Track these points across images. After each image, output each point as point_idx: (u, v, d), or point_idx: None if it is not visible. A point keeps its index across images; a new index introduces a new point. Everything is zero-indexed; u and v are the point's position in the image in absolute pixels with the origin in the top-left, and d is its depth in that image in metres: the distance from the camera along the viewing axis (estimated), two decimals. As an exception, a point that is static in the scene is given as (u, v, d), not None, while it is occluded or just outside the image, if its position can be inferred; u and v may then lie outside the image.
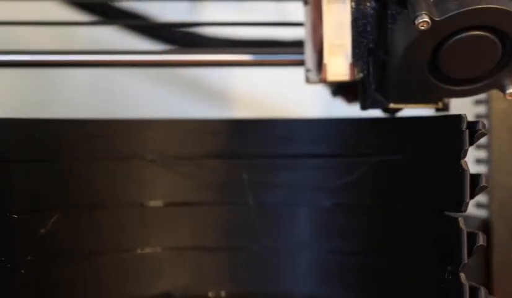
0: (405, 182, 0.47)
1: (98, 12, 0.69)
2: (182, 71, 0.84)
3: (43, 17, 0.57)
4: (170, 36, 0.71)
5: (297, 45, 0.60)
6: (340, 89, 0.53)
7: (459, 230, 0.41)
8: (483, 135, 0.42)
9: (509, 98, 0.44)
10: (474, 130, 0.41)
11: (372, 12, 0.46)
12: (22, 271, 0.48)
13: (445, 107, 0.47)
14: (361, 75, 0.46)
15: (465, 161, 0.41)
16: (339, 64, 0.46)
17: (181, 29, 0.71)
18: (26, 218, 0.48)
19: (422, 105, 0.46)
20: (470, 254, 0.41)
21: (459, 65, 0.43)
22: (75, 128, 0.51)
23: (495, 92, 0.48)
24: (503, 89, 0.44)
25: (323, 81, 0.46)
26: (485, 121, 0.56)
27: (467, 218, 0.59)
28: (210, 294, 0.53)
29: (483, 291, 0.41)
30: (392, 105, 0.46)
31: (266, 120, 0.54)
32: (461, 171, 0.41)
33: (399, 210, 0.47)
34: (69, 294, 0.50)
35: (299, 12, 0.78)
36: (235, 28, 0.66)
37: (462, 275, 0.41)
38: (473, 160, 0.62)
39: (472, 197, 0.41)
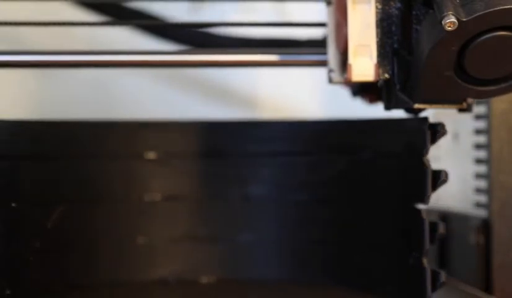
0: (376, 178, 0.53)
1: (106, 12, 0.69)
2: (184, 71, 0.85)
3: (53, 18, 0.57)
4: (183, 36, 0.71)
5: (311, 45, 0.60)
6: (362, 89, 0.53)
7: (422, 219, 0.47)
8: (443, 134, 0.47)
9: (534, 98, 0.44)
10: (436, 131, 0.47)
11: (396, 12, 0.46)
12: (31, 258, 0.53)
13: (469, 108, 0.47)
14: (386, 75, 0.46)
15: (427, 158, 0.47)
16: (364, 64, 0.46)
17: (195, 30, 0.71)
18: (30, 211, 0.53)
19: (446, 106, 0.46)
20: (432, 242, 0.47)
21: (484, 65, 0.43)
22: (78, 129, 0.55)
23: None
24: (528, 90, 0.44)
25: (347, 81, 0.46)
26: (485, 122, 0.60)
27: (468, 218, 0.61)
28: (202, 280, 0.57)
29: (443, 274, 0.46)
30: (416, 106, 0.46)
31: (251, 121, 0.59)
32: (424, 167, 0.47)
33: (372, 204, 0.53)
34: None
35: (299, 12, 0.79)
36: (239, 28, 0.66)
37: (425, 260, 0.47)
38: (473, 160, 0.62)
39: (433, 190, 0.47)
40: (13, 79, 0.81)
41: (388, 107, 0.48)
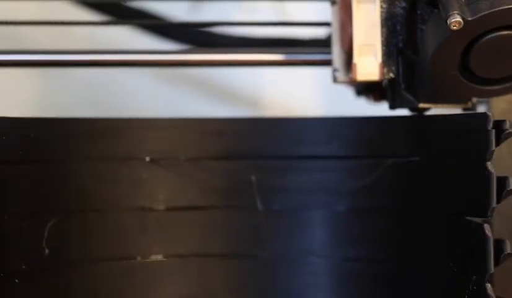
0: (424, 185, 0.45)
1: (107, 12, 0.69)
2: (184, 71, 0.85)
3: (55, 17, 0.57)
4: (185, 35, 0.71)
5: (314, 44, 0.60)
6: (366, 89, 0.53)
7: (485, 236, 0.39)
8: (510, 134, 0.39)
9: (540, 98, 0.44)
10: (501, 130, 0.39)
11: (401, 11, 0.46)
12: (16, 281, 0.46)
13: (474, 107, 0.47)
14: (391, 75, 0.46)
15: (491, 163, 0.39)
16: (369, 64, 0.46)
17: (197, 29, 0.71)
18: (21, 223, 0.46)
19: (451, 105, 0.46)
20: (496, 263, 0.39)
21: (489, 65, 0.43)
22: (74, 128, 0.49)
23: None
24: (533, 89, 0.44)
25: (352, 80, 0.46)
26: None
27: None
28: None
29: None
30: (421, 105, 0.46)
31: (276, 118, 0.52)
32: (487, 173, 0.39)
33: (419, 215, 0.45)
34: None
35: (298, 11, 0.79)
36: (240, 28, 0.66)
37: (489, 286, 0.39)
38: None
39: (498, 201, 0.39)
40: (13, 79, 0.81)
41: (393, 107, 0.48)
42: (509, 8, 0.40)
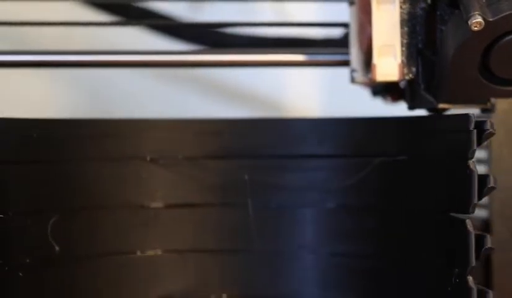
0: (410, 183, 0.47)
1: (116, 12, 0.69)
2: (197, 72, 0.85)
3: (62, 18, 0.57)
4: (195, 35, 0.71)
5: (326, 44, 0.60)
6: (384, 89, 0.53)
7: (467, 232, 0.40)
8: (491, 134, 0.41)
9: (559, 99, 0.44)
10: (482, 130, 0.41)
11: (421, 12, 0.46)
12: (20, 274, 0.47)
13: (493, 108, 0.47)
14: (410, 75, 0.46)
15: (473, 162, 0.41)
16: (389, 64, 0.46)
17: (206, 29, 0.71)
18: (25, 220, 0.47)
19: (471, 105, 0.46)
20: (477, 257, 0.41)
21: (509, 66, 0.43)
22: (75, 128, 0.50)
23: None
24: (552, 90, 0.44)
25: (372, 81, 0.46)
26: None
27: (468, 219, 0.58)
28: (212, 297, 0.52)
29: (491, 295, 0.40)
30: (440, 105, 0.46)
31: (268, 119, 0.53)
32: (469, 171, 0.41)
33: (404, 212, 0.47)
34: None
35: (298, 12, 0.79)
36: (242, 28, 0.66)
37: (470, 279, 0.40)
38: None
39: (479, 198, 0.41)
40: (12, 78, 0.81)
41: (412, 107, 0.48)
42: (530, 9, 0.41)
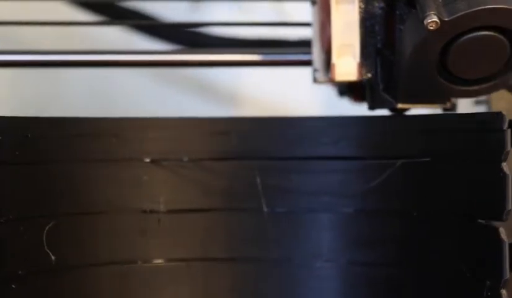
0: (435, 186, 0.44)
1: (101, 12, 0.69)
2: (181, 71, 0.84)
3: (48, 17, 0.57)
4: (175, 36, 0.71)
5: (302, 45, 0.60)
6: (348, 89, 0.53)
7: (500, 240, 0.37)
8: None
9: (517, 98, 0.44)
10: None
11: (380, 12, 0.46)
12: (13, 286, 0.44)
13: (453, 107, 0.47)
14: (369, 75, 0.46)
15: (506, 164, 0.38)
16: (348, 64, 0.46)
17: (186, 29, 0.71)
18: (18, 226, 0.44)
19: (430, 105, 0.46)
20: None
21: (467, 65, 0.43)
22: (71, 128, 0.47)
23: (495, 92, 0.48)
24: (510, 89, 0.44)
25: (331, 80, 0.46)
26: None
27: None
28: None
29: None
30: (399, 105, 0.46)
31: (281, 118, 0.50)
32: (502, 174, 0.38)
33: (429, 218, 0.44)
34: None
35: (297, 12, 0.79)
36: (236, 28, 0.66)
37: (504, 292, 0.38)
38: None
39: None
40: (12, 78, 0.81)
41: (372, 107, 0.48)
42: (486, 8, 0.40)
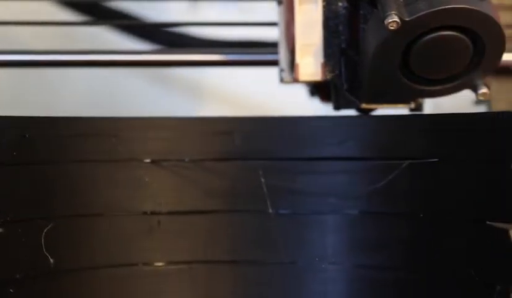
0: (443, 188, 0.43)
1: (93, 13, 0.69)
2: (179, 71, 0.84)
3: (39, 18, 0.57)
4: (164, 36, 0.71)
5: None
6: (316, 89, 0.53)
7: (509, 243, 0.37)
8: None
9: (481, 98, 0.44)
10: None
11: (344, 11, 0.46)
12: (11, 290, 0.43)
13: (419, 107, 0.47)
14: (333, 75, 0.46)
15: None
16: (311, 64, 0.46)
17: (166, 30, 0.71)
18: (15, 228, 0.43)
19: (394, 105, 0.46)
20: None
21: (429, 65, 0.43)
22: (70, 128, 0.46)
23: (495, 92, 0.48)
24: (474, 89, 0.44)
25: (295, 80, 0.46)
26: None
27: None
28: None
29: None
30: (364, 106, 0.46)
31: (285, 117, 0.49)
32: (511, 175, 0.37)
33: (436, 220, 0.43)
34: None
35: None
36: (232, 28, 0.66)
37: None
38: None
39: None
40: (12, 78, 0.80)
41: (336, 107, 0.48)
42: (447, 8, 0.40)
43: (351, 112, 0.49)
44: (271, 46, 0.62)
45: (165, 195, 0.47)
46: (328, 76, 0.46)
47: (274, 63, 0.51)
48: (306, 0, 0.45)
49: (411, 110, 0.48)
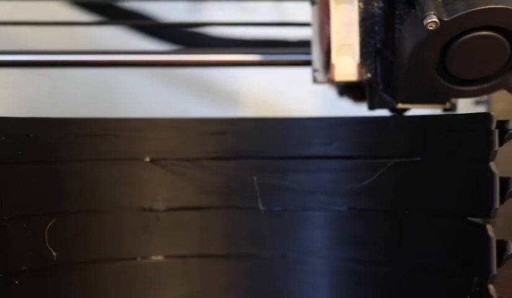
0: (425, 185, 0.44)
1: (102, 12, 0.69)
2: (183, 71, 0.84)
3: (47, 17, 0.57)
4: (175, 36, 0.71)
5: (302, 45, 0.60)
6: (347, 89, 0.53)
7: (487, 237, 0.39)
8: None
9: (518, 98, 0.44)
10: (504, 130, 0.39)
11: (379, 12, 0.46)
12: (16, 282, 0.45)
13: (453, 107, 0.47)
14: (369, 75, 0.46)
15: (494, 164, 0.39)
16: (347, 64, 0.46)
17: (186, 29, 0.71)
18: (20, 224, 0.45)
19: (429, 106, 0.46)
20: (499, 264, 0.39)
21: (466, 65, 0.43)
22: (72, 128, 0.48)
23: (495, 92, 0.48)
24: (510, 90, 0.44)
25: (330, 81, 0.46)
26: None
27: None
28: None
29: None
30: (399, 106, 0.46)
31: (276, 119, 0.51)
32: (489, 174, 0.39)
33: (419, 216, 0.45)
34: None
35: (297, 12, 0.79)
36: (235, 28, 0.66)
37: (491, 288, 0.39)
38: None
39: (502, 202, 0.39)
40: (12, 79, 0.81)
41: (371, 107, 0.48)
42: (485, 8, 0.40)
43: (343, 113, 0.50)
44: (295, 46, 0.63)
45: (163, 193, 0.49)
46: (365, 76, 0.46)
47: (305, 64, 0.51)
48: (342, 1, 0.45)
49: (446, 110, 0.48)
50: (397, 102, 0.46)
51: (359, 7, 0.45)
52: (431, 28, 0.40)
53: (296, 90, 0.83)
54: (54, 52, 0.52)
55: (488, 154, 0.39)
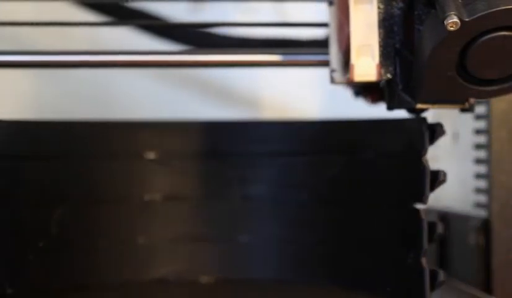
0: (375, 178, 0.53)
1: (107, 12, 0.69)
2: (184, 72, 0.85)
3: (53, 18, 0.57)
4: (184, 36, 0.71)
5: (314, 45, 0.60)
6: (364, 90, 0.53)
7: (420, 219, 0.47)
8: (441, 134, 0.48)
9: (537, 99, 0.44)
10: (434, 131, 0.48)
11: (398, 12, 0.46)
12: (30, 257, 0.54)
13: (471, 108, 0.47)
14: (388, 75, 0.46)
15: (426, 159, 0.47)
16: (367, 64, 0.46)
17: (193, 29, 0.71)
18: (34, 211, 0.54)
19: (448, 106, 0.46)
20: (430, 241, 0.48)
21: (486, 65, 0.43)
22: (76, 129, 0.56)
23: None
24: (530, 90, 0.44)
25: (350, 81, 0.46)
26: (485, 122, 0.60)
27: (468, 218, 0.61)
28: (201, 280, 0.57)
29: (441, 274, 0.47)
30: (418, 106, 0.46)
31: (251, 121, 0.60)
32: (422, 167, 0.47)
33: (369, 205, 0.54)
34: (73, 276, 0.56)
35: (297, 12, 0.79)
36: (237, 28, 0.66)
37: (423, 260, 0.47)
38: (473, 160, 0.62)
39: (432, 190, 0.47)
40: (13, 79, 0.81)
41: (390, 107, 0.48)
42: (506, 9, 0.40)
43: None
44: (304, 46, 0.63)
45: (157, 185, 0.58)
46: (384, 77, 0.46)
47: (322, 64, 0.51)
48: (361, 1, 0.45)
49: (464, 110, 0.48)
50: (416, 102, 0.46)
51: (379, 7, 0.46)
52: (451, 28, 0.40)
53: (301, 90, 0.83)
54: (54, 52, 0.52)
55: (421, 151, 0.48)
